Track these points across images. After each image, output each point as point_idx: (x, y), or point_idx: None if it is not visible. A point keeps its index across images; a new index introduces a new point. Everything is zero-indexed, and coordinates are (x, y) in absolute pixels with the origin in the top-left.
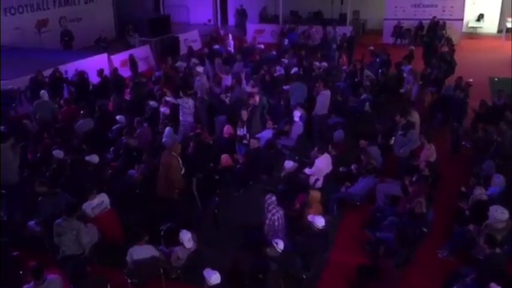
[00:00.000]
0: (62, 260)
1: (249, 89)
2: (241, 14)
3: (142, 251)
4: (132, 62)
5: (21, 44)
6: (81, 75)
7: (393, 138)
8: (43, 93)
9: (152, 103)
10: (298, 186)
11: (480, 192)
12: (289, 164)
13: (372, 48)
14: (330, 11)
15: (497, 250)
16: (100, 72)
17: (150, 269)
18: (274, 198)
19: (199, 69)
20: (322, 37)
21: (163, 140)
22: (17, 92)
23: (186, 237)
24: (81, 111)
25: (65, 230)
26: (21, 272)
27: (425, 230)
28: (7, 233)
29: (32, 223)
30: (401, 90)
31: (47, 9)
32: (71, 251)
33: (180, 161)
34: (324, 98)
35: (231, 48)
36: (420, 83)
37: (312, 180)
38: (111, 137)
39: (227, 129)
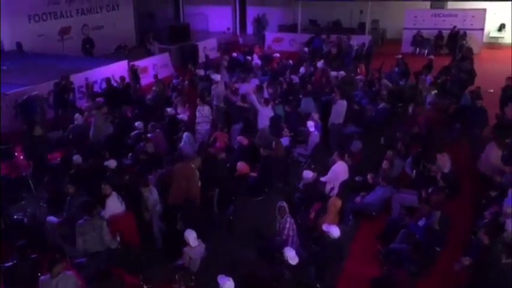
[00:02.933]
0: (84, 260)
1: (266, 96)
2: (260, 23)
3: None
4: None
5: (44, 50)
6: (108, 82)
7: None
8: (77, 116)
9: (170, 110)
10: (314, 195)
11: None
12: (308, 175)
13: (400, 56)
14: (349, 20)
15: (510, 260)
16: (121, 79)
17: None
18: (284, 204)
19: (216, 77)
20: (337, 46)
21: (181, 145)
22: (42, 98)
23: (192, 237)
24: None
25: (88, 229)
26: (39, 275)
27: (438, 249)
28: (26, 236)
29: (52, 218)
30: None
31: (70, 17)
32: (94, 249)
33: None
34: (339, 108)
35: (257, 60)
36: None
37: (327, 188)
38: (130, 143)
39: (240, 139)
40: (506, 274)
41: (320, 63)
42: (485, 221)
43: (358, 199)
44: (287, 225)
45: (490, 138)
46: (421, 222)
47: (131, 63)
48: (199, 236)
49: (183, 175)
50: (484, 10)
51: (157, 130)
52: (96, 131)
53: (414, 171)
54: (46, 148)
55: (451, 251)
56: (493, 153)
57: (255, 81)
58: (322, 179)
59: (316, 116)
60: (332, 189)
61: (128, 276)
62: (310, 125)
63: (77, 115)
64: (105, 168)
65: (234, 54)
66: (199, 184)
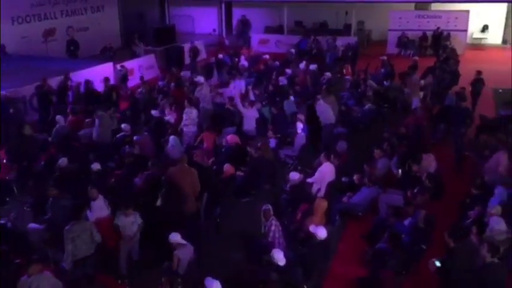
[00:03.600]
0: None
1: (252, 98)
2: (244, 24)
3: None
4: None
5: (28, 52)
6: (88, 85)
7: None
8: (59, 118)
9: (154, 112)
10: (301, 197)
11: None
12: (295, 176)
13: (385, 57)
14: (335, 21)
15: (496, 260)
16: (106, 80)
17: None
18: (269, 207)
19: (200, 79)
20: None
21: (168, 148)
22: (17, 99)
23: (178, 237)
24: (86, 120)
25: (79, 233)
26: None
27: (424, 247)
28: (10, 241)
29: (33, 225)
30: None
31: (55, 18)
32: (83, 254)
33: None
34: (320, 108)
35: (244, 62)
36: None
37: (314, 188)
38: (115, 145)
39: (231, 138)
40: (489, 274)
41: (313, 66)
42: (469, 221)
43: (344, 199)
44: (272, 228)
45: (497, 146)
46: (406, 222)
47: (120, 64)
48: (187, 240)
49: (184, 178)
50: (467, 12)
51: (145, 133)
52: (102, 132)
53: (400, 170)
54: (35, 148)
55: (436, 251)
56: (502, 162)
57: (240, 83)
58: (309, 180)
59: (301, 117)
60: (319, 190)
61: (113, 281)
62: (299, 126)
63: (58, 117)
64: (90, 171)
65: (220, 56)
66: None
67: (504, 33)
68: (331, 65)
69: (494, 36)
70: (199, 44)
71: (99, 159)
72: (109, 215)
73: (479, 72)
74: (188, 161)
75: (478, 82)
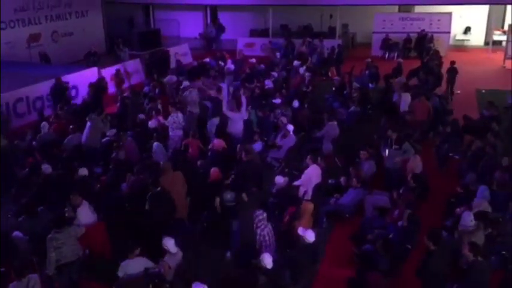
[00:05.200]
0: (57, 271)
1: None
2: (218, 27)
3: (134, 265)
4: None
5: (10, 58)
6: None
7: (387, 150)
8: (43, 125)
9: (140, 116)
10: (288, 199)
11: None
12: (280, 180)
13: (369, 59)
14: (320, 24)
15: (479, 258)
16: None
17: (140, 284)
18: (265, 215)
19: (186, 83)
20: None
21: (154, 156)
22: None
23: (171, 244)
24: (71, 127)
25: (64, 240)
26: None
27: (409, 246)
28: None
29: (18, 233)
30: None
31: (39, 23)
32: (69, 259)
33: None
34: None
35: (230, 65)
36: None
37: (301, 191)
38: (100, 151)
39: (218, 143)
40: (473, 273)
41: (302, 69)
42: (452, 220)
43: (331, 201)
44: (265, 233)
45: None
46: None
47: (117, 67)
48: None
49: (172, 187)
50: (450, 14)
51: (129, 138)
52: (92, 135)
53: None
54: (12, 158)
55: (422, 250)
56: None
57: (223, 86)
58: (296, 182)
59: (284, 119)
60: (305, 192)
61: (99, 287)
62: (290, 128)
63: (43, 123)
64: (75, 177)
65: (207, 60)
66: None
67: (486, 34)
68: (316, 67)
69: (477, 38)
70: (185, 48)
71: (85, 165)
72: (95, 220)
73: (453, 62)
74: (177, 163)
75: (452, 71)
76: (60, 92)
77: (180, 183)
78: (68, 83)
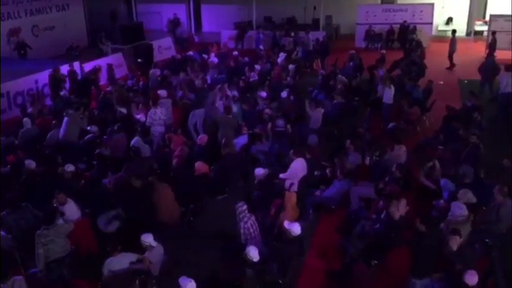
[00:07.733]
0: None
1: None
2: (175, 24)
3: (118, 262)
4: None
5: None
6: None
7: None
8: (26, 120)
9: (122, 110)
10: (273, 192)
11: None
12: (259, 172)
13: (353, 51)
14: (303, 16)
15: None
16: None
17: (126, 280)
18: (245, 207)
19: (162, 93)
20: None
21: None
22: None
23: (150, 239)
24: (53, 122)
25: (53, 237)
26: None
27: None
28: None
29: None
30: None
31: (19, 17)
32: (57, 255)
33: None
34: None
35: (214, 58)
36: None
37: (287, 184)
38: (83, 147)
39: (203, 137)
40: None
41: (292, 67)
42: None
43: (317, 193)
44: (248, 225)
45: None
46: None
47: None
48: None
49: (160, 200)
50: (432, 5)
51: (116, 135)
52: (69, 131)
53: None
54: None
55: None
56: None
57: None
58: (282, 175)
59: (269, 111)
60: (292, 185)
61: (86, 284)
62: (279, 123)
63: (25, 119)
64: (59, 173)
65: (190, 53)
66: None
67: (468, 25)
68: (302, 59)
69: (459, 28)
70: (168, 41)
71: (69, 161)
72: (80, 217)
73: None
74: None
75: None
76: (56, 84)
77: (170, 195)
78: (64, 75)
